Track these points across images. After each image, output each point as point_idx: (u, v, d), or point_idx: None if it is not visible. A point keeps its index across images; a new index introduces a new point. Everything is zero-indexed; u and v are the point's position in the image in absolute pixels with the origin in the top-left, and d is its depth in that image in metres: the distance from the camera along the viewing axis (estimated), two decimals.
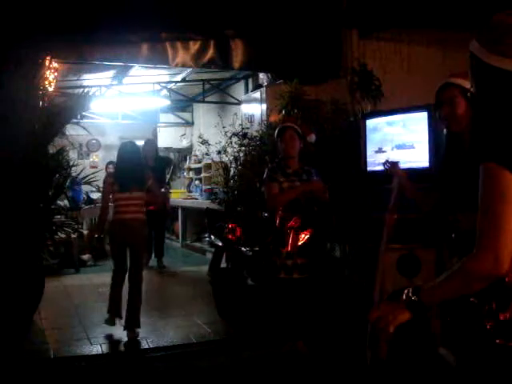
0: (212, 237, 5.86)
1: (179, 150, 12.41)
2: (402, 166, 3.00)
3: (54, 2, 4.83)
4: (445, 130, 2.61)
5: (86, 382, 4.02)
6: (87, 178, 6.22)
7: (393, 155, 2.99)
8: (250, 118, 6.79)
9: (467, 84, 1.66)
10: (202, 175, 10.62)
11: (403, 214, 3.32)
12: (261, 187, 4.85)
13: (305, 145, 4.27)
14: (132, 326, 4.73)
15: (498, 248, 1.33)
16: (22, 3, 4.69)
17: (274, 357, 4.11)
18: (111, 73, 8.74)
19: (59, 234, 5.99)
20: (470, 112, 2.26)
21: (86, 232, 8.57)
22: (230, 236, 5.28)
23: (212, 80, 9.45)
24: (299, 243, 4.01)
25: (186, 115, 12.25)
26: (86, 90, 6.04)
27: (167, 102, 10.77)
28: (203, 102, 10.22)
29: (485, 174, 1.37)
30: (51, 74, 5.68)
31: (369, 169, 4.74)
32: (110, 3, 4.98)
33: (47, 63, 5.44)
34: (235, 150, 5.70)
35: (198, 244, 9.24)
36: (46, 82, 5.51)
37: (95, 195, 8.60)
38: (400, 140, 4.44)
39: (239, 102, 8.30)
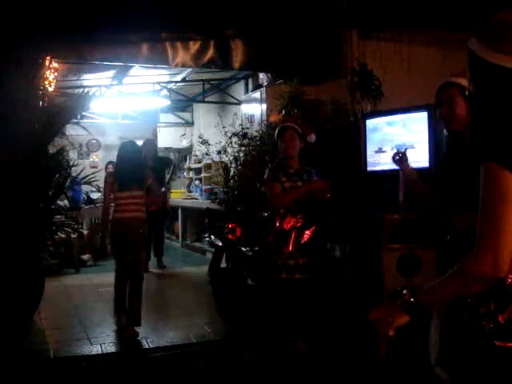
0: (212, 237, 5.86)
1: (179, 150, 12.40)
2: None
3: (54, 2, 4.83)
4: (445, 130, 2.61)
5: (85, 382, 4.01)
6: (87, 178, 6.23)
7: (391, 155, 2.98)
8: (250, 118, 6.79)
9: (467, 83, 1.66)
10: (202, 175, 10.62)
11: (403, 214, 3.33)
12: (261, 187, 4.84)
13: (305, 145, 4.27)
14: (132, 323, 4.74)
15: (497, 248, 1.32)
16: (22, 3, 4.69)
17: (273, 357, 4.11)
18: (111, 73, 8.74)
19: (59, 233, 5.99)
20: (470, 111, 2.26)
21: (86, 232, 8.58)
22: (230, 236, 5.28)
23: (212, 80, 9.44)
24: (302, 242, 4.01)
25: (186, 115, 12.25)
26: (85, 90, 6.04)
27: (167, 102, 10.77)
28: (203, 102, 10.22)
29: (485, 174, 1.36)
30: (51, 74, 5.68)
31: (369, 169, 4.74)
32: (110, 3, 4.98)
33: (47, 63, 5.44)
34: (235, 150, 5.70)
35: (198, 244, 9.24)
36: (46, 82, 5.51)
37: (95, 195, 8.60)
38: (400, 140, 4.44)
39: (239, 102, 8.30)
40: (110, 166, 8.04)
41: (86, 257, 8.33)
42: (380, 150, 4.65)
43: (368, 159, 4.74)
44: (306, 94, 5.45)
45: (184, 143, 12.02)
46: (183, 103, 11.69)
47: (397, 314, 1.48)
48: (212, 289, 5.48)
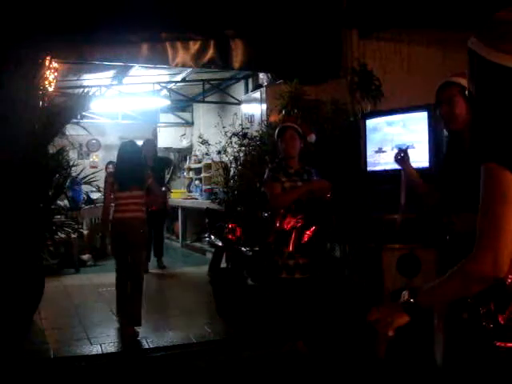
0: (212, 237, 5.86)
1: (179, 150, 12.40)
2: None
3: (54, 2, 4.83)
4: (445, 130, 2.61)
5: (85, 382, 4.01)
6: (87, 178, 6.23)
7: (393, 155, 2.98)
8: (250, 118, 6.78)
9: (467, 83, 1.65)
10: (202, 175, 10.62)
11: (404, 214, 3.33)
12: (261, 187, 4.84)
13: (305, 145, 4.27)
14: (132, 323, 4.74)
15: (497, 248, 1.31)
16: (22, 3, 4.69)
17: (274, 357, 4.11)
18: (111, 73, 8.74)
19: (59, 233, 5.99)
20: (470, 111, 2.26)
21: (86, 232, 8.57)
22: (230, 236, 5.28)
23: (212, 80, 9.44)
24: (302, 242, 4.01)
25: (186, 115, 12.25)
26: (85, 90, 6.04)
27: (167, 102, 10.77)
28: (203, 102, 10.22)
29: (485, 174, 1.36)
30: (51, 74, 5.68)
31: (369, 169, 4.74)
32: (110, 3, 4.98)
33: (47, 63, 5.44)
34: (235, 150, 5.70)
35: (198, 244, 9.24)
36: (46, 82, 5.51)
37: (95, 195, 8.60)
38: (400, 140, 4.43)
39: (239, 102, 8.30)
40: (110, 165, 8.04)
41: (85, 257, 8.33)
42: (380, 150, 4.65)
43: (368, 159, 4.74)
44: (306, 94, 5.45)
45: (184, 143, 12.02)
46: (183, 103, 11.69)
47: (396, 315, 1.48)
48: (212, 289, 5.49)
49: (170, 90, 10.14)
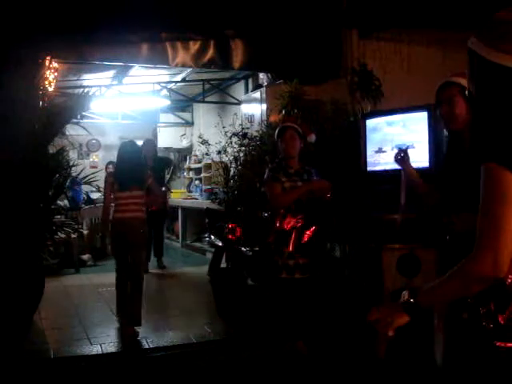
0: (212, 237, 5.87)
1: (179, 150, 12.41)
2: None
3: (54, 2, 4.83)
4: (445, 130, 2.61)
5: (86, 382, 4.01)
6: (87, 178, 6.24)
7: (393, 155, 2.98)
8: (250, 118, 6.78)
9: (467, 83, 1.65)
10: (202, 175, 10.62)
11: (404, 214, 3.33)
12: (261, 187, 4.84)
13: (305, 145, 4.27)
14: (132, 323, 4.74)
15: (497, 248, 1.31)
16: (22, 3, 4.69)
17: (273, 357, 4.11)
18: (111, 73, 8.74)
19: (59, 233, 6.00)
20: (470, 111, 2.26)
21: (86, 232, 8.58)
22: (230, 236, 5.28)
23: (212, 80, 9.44)
24: (302, 242, 4.01)
25: (186, 115, 12.25)
26: (85, 90, 6.04)
27: (167, 102, 10.76)
28: (203, 102, 10.22)
29: (485, 174, 1.36)
30: (51, 74, 5.68)
31: (369, 169, 4.74)
32: (110, 3, 4.98)
33: (47, 63, 5.44)
34: (235, 150, 5.70)
35: (198, 244, 9.25)
36: (46, 82, 5.51)
37: (95, 195, 8.60)
38: (400, 140, 4.43)
39: (239, 102, 8.30)
40: (110, 165, 8.04)
41: (85, 257, 8.33)
42: (380, 150, 4.65)
43: (368, 159, 4.73)
44: (306, 94, 5.45)
45: (184, 143, 12.02)
46: (183, 103, 11.69)
47: (396, 315, 1.48)
48: (212, 289, 5.49)
49: (170, 89, 10.14)
